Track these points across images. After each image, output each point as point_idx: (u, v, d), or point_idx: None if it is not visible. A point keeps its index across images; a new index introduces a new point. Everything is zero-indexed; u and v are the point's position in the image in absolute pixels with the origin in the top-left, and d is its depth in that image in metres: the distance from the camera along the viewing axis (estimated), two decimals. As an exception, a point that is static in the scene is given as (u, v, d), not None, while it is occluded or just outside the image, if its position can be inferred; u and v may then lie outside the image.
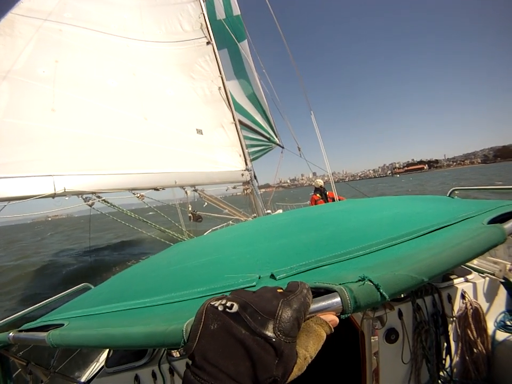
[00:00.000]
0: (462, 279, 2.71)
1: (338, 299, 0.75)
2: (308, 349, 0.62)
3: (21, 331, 1.39)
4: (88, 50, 4.16)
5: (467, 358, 2.52)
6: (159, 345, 0.89)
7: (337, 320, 0.71)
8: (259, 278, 1.22)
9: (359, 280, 0.84)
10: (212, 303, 0.62)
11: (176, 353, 2.28)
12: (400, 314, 2.40)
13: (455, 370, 2.54)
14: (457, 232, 1.27)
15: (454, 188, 3.10)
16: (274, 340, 0.55)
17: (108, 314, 1.38)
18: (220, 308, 0.60)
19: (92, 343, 1.08)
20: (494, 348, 2.53)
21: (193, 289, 1.31)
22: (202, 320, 0.60)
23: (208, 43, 5.59)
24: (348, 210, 2.75)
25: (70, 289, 2.43)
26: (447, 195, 3.02)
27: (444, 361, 2.47)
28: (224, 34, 6.71)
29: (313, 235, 1.86)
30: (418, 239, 1.30)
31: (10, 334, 1.36)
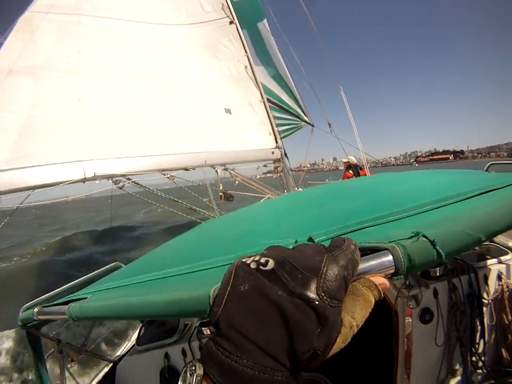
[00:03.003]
0: (498, 259, 2.55)
1: (390, 257, 0.67)
2: (355, 315, 0.54)
3: (45, 307, 1.39)
4: (109, 39, 4.18)
5: (501, 344, 2.39)
6: (183, 314, 0.82)
7: (388, 283, 0.64)
8: (296, 242, 1.11)
9: (413, 237, 0.76)
10: (244, 260, 0.53)
11: (206, 331, 2.17)
12: (435, 293, 2.27)
13: (487, 356, 2.41)
14: (507, 194, 1.18)
15: (491, 162, 2.90)
16: (317, 302, 0.46)
17: (132, 285, 1.34)
18: (253, 265, 0.51)
19: (110, 313, 1.06)
20: None
21: (224, 255, 1.24)
22: (231, 281, 0.51)
23: (231, 22, 5.50)
24: (385, 180, 2.66)
25: (100, 269, 2.43)
26: (484, 170, 2.83)
27: (477, 346, 2.34)
28: (242, 16, 6.46)
29: (352, 203, 1.76)
30: (468, 200, 1.19)
31: (35, 309, 1.36)
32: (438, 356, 2.34)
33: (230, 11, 5.58)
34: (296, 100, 7.70)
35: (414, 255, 0.68)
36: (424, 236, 0.74)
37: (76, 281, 2.16)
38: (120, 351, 2.87)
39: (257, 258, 0.52)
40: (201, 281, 0.97)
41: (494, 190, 1.27)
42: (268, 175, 5.67)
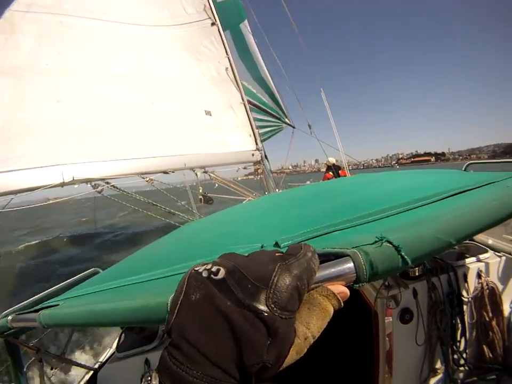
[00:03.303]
0: (477, 257, 2.61)
1: (350, 264, 0.64)
2: (310, 326, 0.51)
3: (18, 314, 1.39)
4: (90, 40, 4.14)
5: (482, 341, 2.46)
6: (144, 322, 0.82)
7: (348, 292, 0.60)
8: (262, 247, 1.11)
9: (376, 242, 0.74)
10: (196, 269, 0.52)
11: None
12: (415, 293, 2.30)
13: (468, 353, 2.46)
14: (482, 195, 1.19)
15: (469, 162, 2.90)
16: (266, 314, 0.45)
17: (106, 291, 1.35)
18: (204, 274, 0.50)
19: (78, 321, 1.06)
20: (510, 331, 2.48)
21: (200, 259, 1.23)
22: (184, 289, 0.50)
23: (212, 24, 5.48)
24: (362, 182, 2.67)
25: (78, 276, 2.40)
26: (462, 169, 2.84)
27: (458, 344, 2.41)
28: (225, 17, 6.43)
29: (326, 205, 1.78)
30: (441, 202, 1.19)
31: (9, 317, 1.36)
32: (419, 355, 2.38)
33: (212, 12, 5.56)
34: (277, 102, 7.75)
35: (377, 261, 0.65)
36: (388, 241, 0.72)
37: (53, 288, 2.15)
38: (101, 358, 2.83)
39: (209, 266, 0.51)
40: (168, 288, 0.91)
41: (471, 189, 1.27)
42: (250, 177, 5.68)
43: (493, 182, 1.34)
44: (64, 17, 4.00)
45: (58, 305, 1.27)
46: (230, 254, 0.56)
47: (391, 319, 2.22)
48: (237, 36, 7.27)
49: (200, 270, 0.51)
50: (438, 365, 2.40)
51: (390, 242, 0.71)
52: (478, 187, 1.29)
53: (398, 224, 0.99)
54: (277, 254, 0.55)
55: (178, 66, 4.92)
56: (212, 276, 0.49)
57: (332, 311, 0.55)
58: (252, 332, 0.43)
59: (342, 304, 0.57)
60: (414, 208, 1.15)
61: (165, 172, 3.85)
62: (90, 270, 2.60)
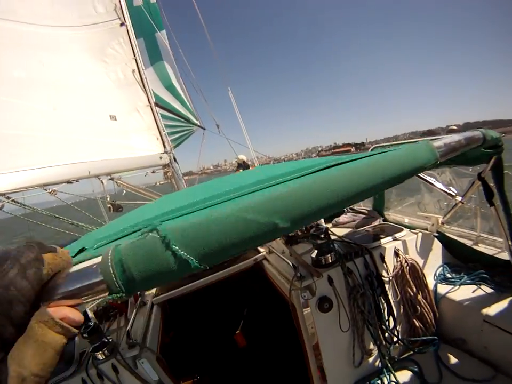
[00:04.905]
0: (392, 237, 2.68)
1: (96, 270, 0.55)
2: (24, 363, 0.43)
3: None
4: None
5: (411, 316, 2.55)
6: None
7: (76, 315, 0.51)
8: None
9: (143, 233, 0.63)
10: None
11: (101, 355, 2.14)
12: (330, 280, 2.32)
13: (400, 330, 2.55)
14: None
15: (375, 146, 2.91)
16: None
17: None
18: None
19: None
20: (438, 302, 2.56)
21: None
22: None
23: (122, 24, 5.33)
24: (255, 171, 2.61)
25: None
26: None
27: (387, 323, 2.47)
28: (141, 23, 6.42)
29: (207, 194, 1.57)
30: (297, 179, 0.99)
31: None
32: (348, 340, 2.41)
33: (123, 12, 5.39)
34: (187, 107, 7.85)
35: (129, 263, 0.56)
36: (155, 231, 0.61)
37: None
38: None
39: None
40: None
41: (357, 159, 1.13)
42: (162, 181, 5.72)
43: (385, 152, 1.19)
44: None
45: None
46: None
47: (309, 310, 2.23)
48: (151, 44, 7.18)
49: None
50: (371, 346, 2.45)
51: (158, 232, 0.61)
52: (367, 156, 1.15)
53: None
54: None
55: (84, 70, 4.74)
56: None
57: (57, 341, 0.47)
58: None
59: (75, 330, 0.49)
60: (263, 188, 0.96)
61: (69, 182, 3.73)
62: None
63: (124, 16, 5.42)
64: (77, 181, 3.86)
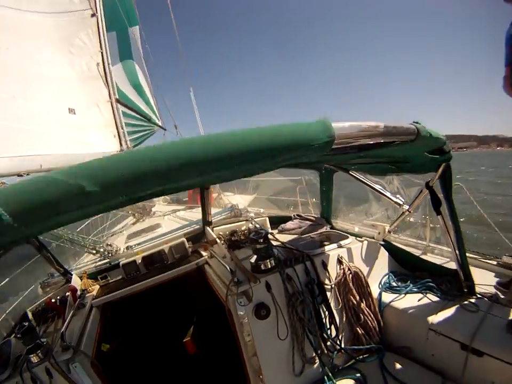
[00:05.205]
0: (337, 244, 2.63)
1: None
2: None
3: None
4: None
5: (355, 324, 2.49)
6: None
7: None
8: None
9: None
10: None
11: (35, 358, 2.08)
12: (268, 286, 2.27)
13: (343, 338, 2.49)
14: None
15: None
16: None
17: None
18: None
19: None
20: (383, 310, 2.52)
21: None
22: None
23: (93, 15, 5.19)
24: None
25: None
26: None
27: (329, 331, 2.40)
28: (115, 16, 6.20)
29: None
30: None
31: None
32: (287, 348, 2.32)
33: (96, 3, 5.26)
34: (151, 107, 7.85)
35: None
36: None
37: None
38: None
39: None
40: None
41: None
42: None
43: None
44: None
45: None
46: None
47: (246, 316, 2.18)
48: (123, 39, 6.96)
49: None
50: (312, 354, 2.36)
51: None
52: None
53: None
54: None
55: (49, 59, 4.58)
56: None
57: None
58: None
59: None
60: None
61: (19, 175, 3.60)
62: None
63: (96, 7, 5.29)
64: (27, 174, 3.69)
